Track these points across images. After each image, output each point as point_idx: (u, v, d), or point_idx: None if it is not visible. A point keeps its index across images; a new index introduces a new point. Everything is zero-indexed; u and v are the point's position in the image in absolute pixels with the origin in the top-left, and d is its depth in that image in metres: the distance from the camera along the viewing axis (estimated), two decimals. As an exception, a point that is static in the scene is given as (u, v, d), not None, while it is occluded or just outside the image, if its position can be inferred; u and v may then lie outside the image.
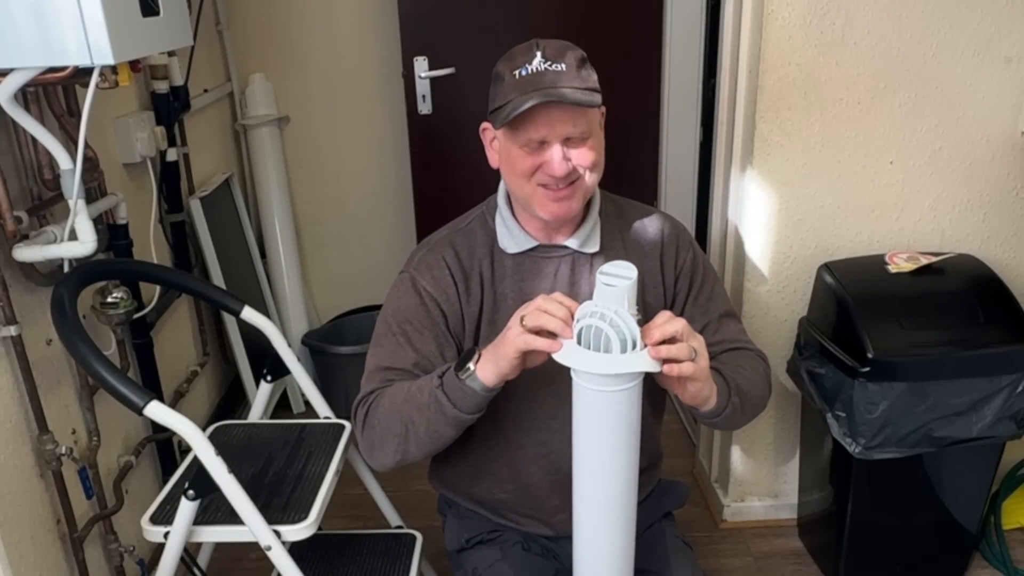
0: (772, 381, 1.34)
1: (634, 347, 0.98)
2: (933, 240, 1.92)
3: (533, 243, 1.27)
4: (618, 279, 0.98)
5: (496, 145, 1.23)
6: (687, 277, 1.33)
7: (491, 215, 1.31)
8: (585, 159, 1.17)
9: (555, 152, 1.15)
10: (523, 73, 1.13)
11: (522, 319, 1.04)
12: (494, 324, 1.26)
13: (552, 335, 1.02)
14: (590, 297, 1.17)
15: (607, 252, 1.29)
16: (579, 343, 1.00)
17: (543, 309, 1.02)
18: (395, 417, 1.17)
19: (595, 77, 1.17)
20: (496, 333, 1.21)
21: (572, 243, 1.27)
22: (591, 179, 1.20)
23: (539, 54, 1.14)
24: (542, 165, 1.16)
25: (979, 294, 1.76)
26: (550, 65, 1.13)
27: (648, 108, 2.88)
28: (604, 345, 0.97)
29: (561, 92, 1.11)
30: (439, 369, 1.16)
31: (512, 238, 1.27)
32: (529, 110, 1.11)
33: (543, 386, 1.20)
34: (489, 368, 1.08)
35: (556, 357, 1.00)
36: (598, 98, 1.15)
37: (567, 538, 1.17)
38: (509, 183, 1.24)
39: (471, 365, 1.10)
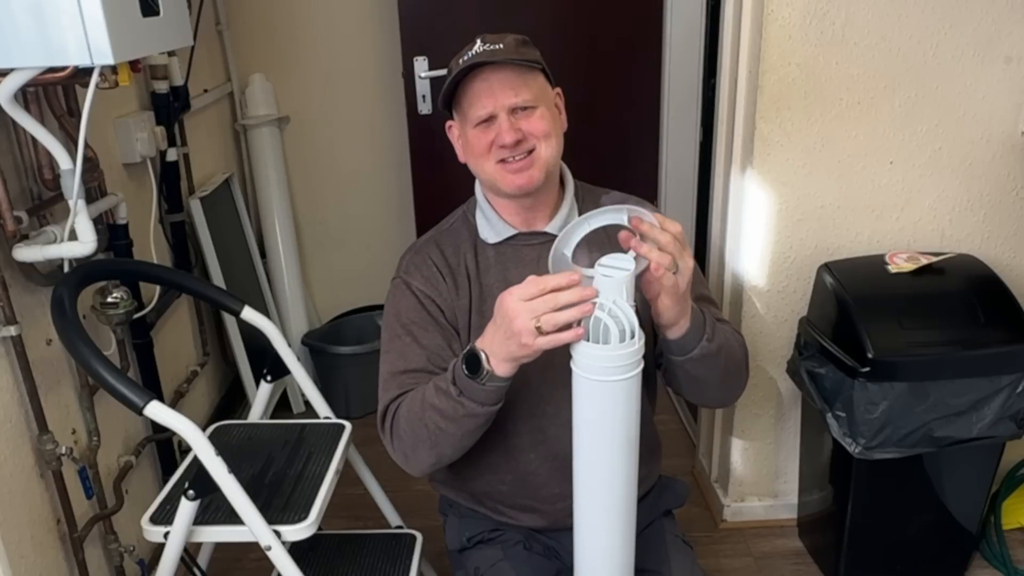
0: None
1: (632, 337, 0.98)
2: (933, 240, 1.92)
3: (512, 231, 1.30)
4: (616, 270, 0.99)
5: (460, 137, 1.29)
6: None
7: (471, 212, 1.35)
8: (535, 127, 1.21)
9: (502, 121, 1.20)
10: (465, 59, 1.21)
11: (538, 327, 1.00)
12: (482, 315, 1.28)
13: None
14: None
15: (587, 236, 1.29)
16: None
17: (558, 305, 0.99)
18: (421, 428, 1.18)
19: (537, 54, 1.24)
20: (485, 324, 1.21)
21: (551, 228, 1.30)
22: (547, 150, 1.23)
23: (479, 41, 1.22)
24: (495, 139, 1.21)
25: (979, 294, 1.75)
26: (489, 46, 1.21)
27: (648, 108, 2.89)
28: (603, 335, 0.98)
29: (493, 54, 1.19)
30: (446, 380, 1.14)
31: (492, 228, 1.31)
32: (471, 86, 1.20)
33: (536, 373, 1.21)
34: (507, 367, 1.08)
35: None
36: (536, 64, 1.23)
37: (567, 531, 1.17)
38: (474, 168, 1.28)
39: (485, 366, 1.08)
